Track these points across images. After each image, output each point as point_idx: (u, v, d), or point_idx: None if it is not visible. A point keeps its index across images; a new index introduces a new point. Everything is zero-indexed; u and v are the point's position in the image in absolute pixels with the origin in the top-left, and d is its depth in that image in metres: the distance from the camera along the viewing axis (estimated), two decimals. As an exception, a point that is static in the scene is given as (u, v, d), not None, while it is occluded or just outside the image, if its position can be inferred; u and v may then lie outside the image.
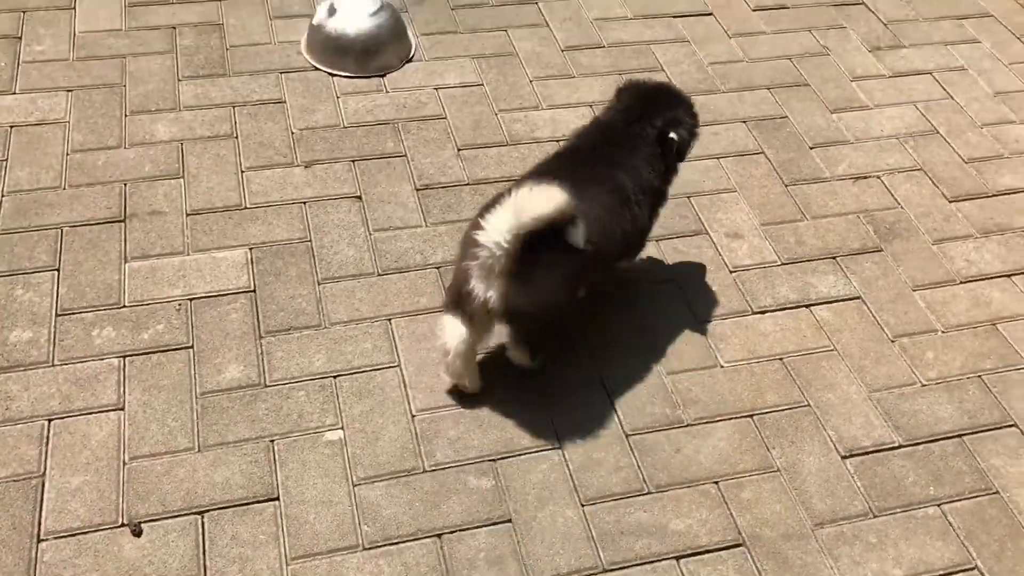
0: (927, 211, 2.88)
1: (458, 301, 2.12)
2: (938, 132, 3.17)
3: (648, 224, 2.40)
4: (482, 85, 3.18)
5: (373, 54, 3.14)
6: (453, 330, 2.14)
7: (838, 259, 2.71)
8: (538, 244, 1.99)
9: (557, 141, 2.98)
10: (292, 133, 2.92)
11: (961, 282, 2.68)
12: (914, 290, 2.64)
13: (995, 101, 3.32)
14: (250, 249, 2.56)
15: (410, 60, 3.24)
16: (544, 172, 2.19)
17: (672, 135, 2.32)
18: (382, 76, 3.17)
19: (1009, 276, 2.71)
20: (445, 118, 3.04)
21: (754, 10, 3.62)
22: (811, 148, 3.06)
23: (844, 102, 3.25)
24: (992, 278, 2.70)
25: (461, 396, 2.25)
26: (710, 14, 3.59)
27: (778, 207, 2.85)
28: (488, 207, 2.08)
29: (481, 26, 3.41)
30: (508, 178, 2.82)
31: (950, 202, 2.92)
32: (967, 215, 2.89)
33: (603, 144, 2.32)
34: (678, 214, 2.79)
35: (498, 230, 1.97)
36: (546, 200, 1.98)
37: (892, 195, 2.93)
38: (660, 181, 2.37)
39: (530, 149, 2.95)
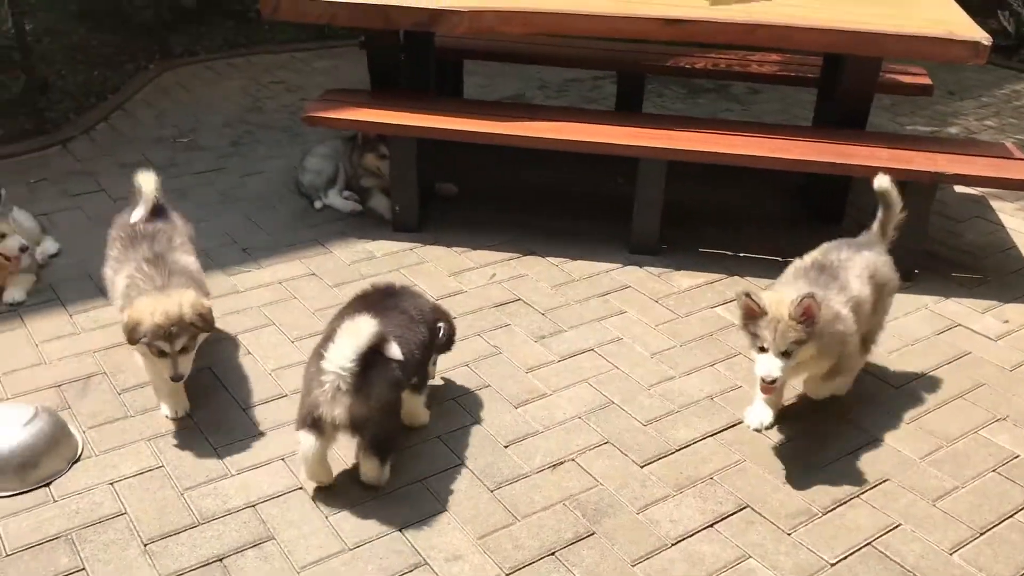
0: (624, 482, 3.02)
1: (310, 422, 2.75)
2: (613, 402, 3.40)
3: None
4: (163, 466, 3.01)
5: (34, 465, 2.89)
6: (308, 443, 2.79)
7: (557, 554, 2.72)
8: (367, 363, 2.67)
9: (254, 506, 2.85)
10: (-58, 581, 2.56)
11: (672, 544, 2.78)
12: (633, 565, 2.69)
13: (654, 362, 3.65)
14: None
15: (79, 459, 3.02)
16: (347, 313, 2.90)
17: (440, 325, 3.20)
18: (48, 485, 2.91)
19: (712, 526, 2.86)
20: (126, 513, 2.81)
21: (424, 327, 3.81)
22: (506, 447, 3.15)
23: (525, 394, 3.42)
24: (697, 532, 2.83)
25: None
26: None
27: (489, 516, 2.86)
28: (323, 344, 2.76)
29: (152, 405, 3.28)
30: (204, 563, 2.62)
31: (642, 467, 3.09)
32: (660, 476, 3.05)
33: (384, 296, 3.12)
34: (393, 551, 2.71)
35: (342, 357, 2.63)
36: (368, 326, 2.67)
37: (589, 474, 3.05)
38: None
39: (225, 523, 2.78)
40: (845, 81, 4.53)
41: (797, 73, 5.32)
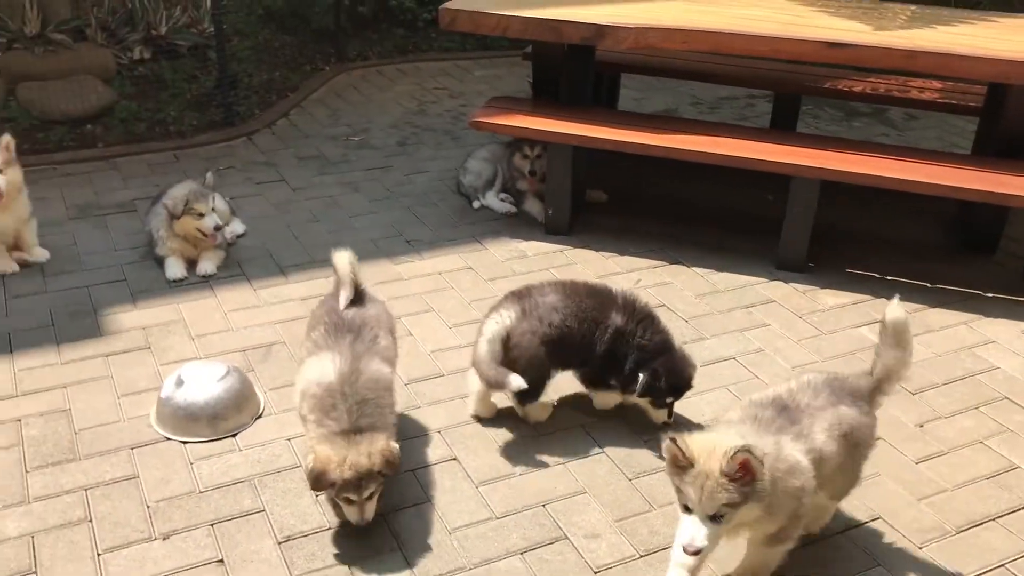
0: (758, 483, 3.14)
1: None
2: (752, 409, 3.51)
3: None
4: (333, 429, 3.33)
5: (224, 417, 3.26)
6: (474, 381, 3.32)
7: (690, 543, 2.88)
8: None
9: (412, 471, 3.12)
10: (148, 507, 2.93)
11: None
12: (764, 560, 2.82)
13: (795, 375, 3.74)
14: (111, 637, 2.48)
15: (260, 416, 3.38)
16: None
17: None
18: (235, 436, 3.27)
19: (843, 532, 2.95)
20: (300, 466, 3.14)
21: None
22: (645, 441, 3.33)
23: (666, 394, 3.58)
24: (835, 535, 2.92)
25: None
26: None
27: (627, 501, 3.04)
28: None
29: (326, 374, 3.62)
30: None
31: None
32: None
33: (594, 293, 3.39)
34: (537, 523, 2.93)
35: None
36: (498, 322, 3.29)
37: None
38: None
39: (386, 485, 3.06)
40: (1009, 111, 4.49)
41: (959, 101, 5.28)
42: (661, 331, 3.33)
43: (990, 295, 4.38)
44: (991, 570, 2.83)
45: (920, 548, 2.90)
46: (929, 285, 4.45)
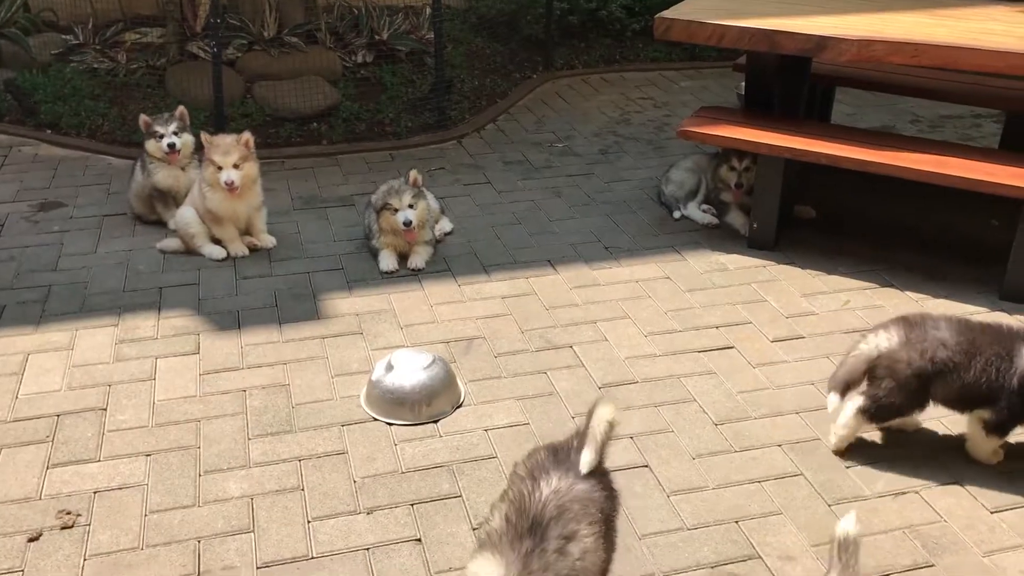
0: (970, 523, 2.95)
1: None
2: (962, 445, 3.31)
3: None
4: (528, 423, 3.41)
5: (428, 403, 3.41)
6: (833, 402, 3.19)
7: (892, 576, 2.75)
8: None
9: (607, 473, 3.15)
10: (355, 482, 3.11)
11: (1019, 594, 2.69)
12: (974, 605, 2.65)
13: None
14: (318, 599, 2.64)
15: (461, 406, 3.51)
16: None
17: None
18: (436, 422, 3.41)
19: (1066, 584, 2.73)
20: (496, 457, 3.23)
21: (772, 342, 3.93)
22: (847, 468, 3.20)
23: (871, 421, 3.43)
24: (1050, 588, 2.72)
25: None
26: (732, 347, 3.89)
27: (824, 526, 2.93)
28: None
29: (522, 370, 3.71)
30: (561, 514, 2.95)
31: (992, 513, 3.00)
32: (1012, 525, 2.95)
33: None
34: (729, 539, 2.88)
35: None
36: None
37: (933, 509, 3.01)
38: None
39: (579, 484, 3.10)
40: None
41: None
42: None
43: None
44: None
45: None
46: None
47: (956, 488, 3.11)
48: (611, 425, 2.38)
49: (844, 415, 3.23)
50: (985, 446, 3.21)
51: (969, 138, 6.24)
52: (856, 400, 3.21)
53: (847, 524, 2.28)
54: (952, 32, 4.28)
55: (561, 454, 2.40)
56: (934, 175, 4.20)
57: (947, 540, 2.89)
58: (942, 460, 3.24)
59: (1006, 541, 2.89)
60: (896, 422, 3.30)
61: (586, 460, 2.34)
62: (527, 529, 2.21)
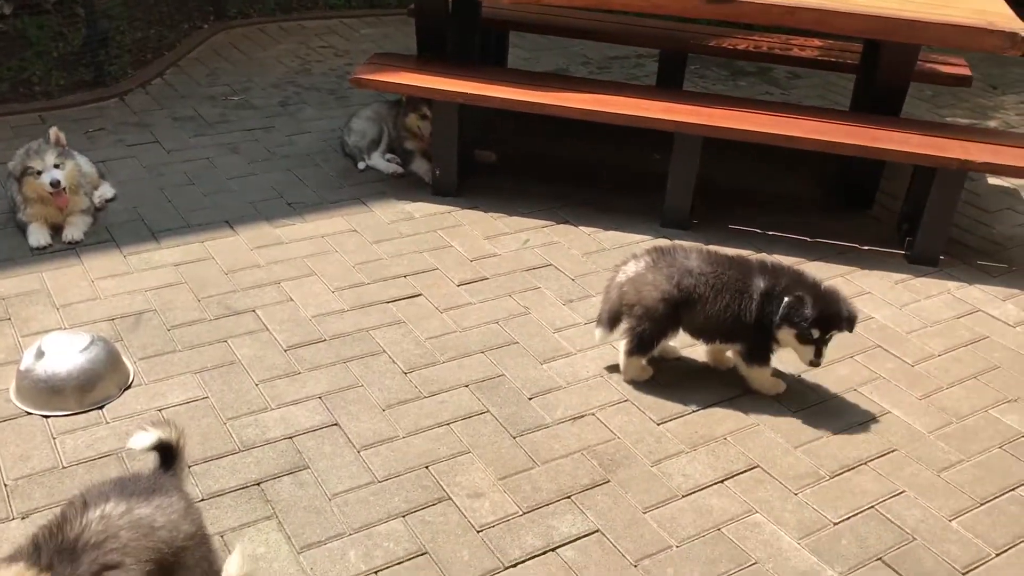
0: (640, 437, 3.17)
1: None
2: (634, 364, 3.54)
3: None
4: (207, 397, 3.21)
5: (89, 389, 3.10)
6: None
7: (573, 497, 2.88)
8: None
9: (291, 438, 3.04)
10: (5, 485, 2.77)
11: (683, 496, 2.93)
12: (644, 512, 2.85)
13: (677, 329, 3.78)
14: (-38, 624, 2.33)
15: (129, 387, 3.23)
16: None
17: None
18: (101, 408, 3.12)
19: (722, 481, 3.00)
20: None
21: (458, 285, 3.97)
22: (530, 399, 3.31)
23: (551, 352, 3.57)
24: (708, 487, 2.97)
25: None
26: (420, 295, 3.89)
27: (510, 459, 3.02)
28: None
29: (200, 341, 3.48)
30: (243, 486, 2.81)
31: (658, 424, 3.24)
32: (676, 434, 3.20)
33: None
34: (420, 485, 2.88)
35: None
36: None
37: (608, 428, 3.20)
38: None
39: (263, 451, 2.97)
40: (882, 67, 4.60)
41: (837, 58, 5.39)
42: (808, 279, 3.26)
43: (866, 248, 4.51)
44: (862, 512, 2.92)
45: (795, 494, 2.97)
46: (808, 239, 4.55)
47: (627, 405, 3.32)
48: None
49: (621, 362, 3.41)
50: (757, 377, 3.39)
51: (633, 77, 6.65)
52: (621, 345, 3.37)
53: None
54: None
55: (131, 484, 2.13)
56: (596, 113, 4.41)
57: (620, 455, 3.08)
58: (615, 380, 3.44)
59: (671, 449, 3.13)
60: (657, 352, 3.41)
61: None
62: (55, 551, 1.88)
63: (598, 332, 3.41)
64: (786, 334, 3.22)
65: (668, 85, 5.67)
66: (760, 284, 3.24)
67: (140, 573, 1.94)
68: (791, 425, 3.28)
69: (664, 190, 4.54)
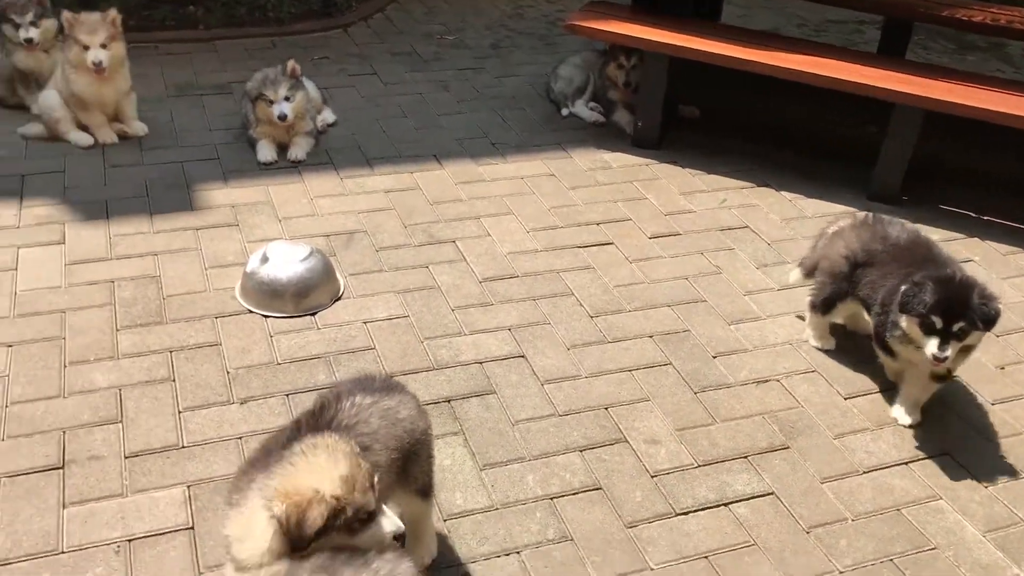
0: (825, 408, 3.12)
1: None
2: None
3: None
4: (408, 316, 3.41)
5: (304, 296, 3.36)
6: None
7: (749, 458, 2.90)
8: None
9: (480, 363, 3.19)
10: (228, 373, 3.07)
11: (864, 472, 2.88)
12: (822, 483, 2.82)
13: (873, 305, 3.67)
14: (188, 487, 2.63)
15: (339, 299, 3.47)
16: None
17: None
18: (313, 314, 3.37)
19: (907, 463, 2.92)
20: (374, 348, 3.23)
21: (650, 238, 4.00)
22: (714, 358, 3.32)
23: (740, 314, 3.56)
24: (891, 466, 2.91)
25: None
26: (611, 243, 3.95)
27: (690, 413, 3.06)
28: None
29: (404, 264, 3.69)
30: (435, 401, 2.99)
31: (845, 399, 3.18)
32: (862, 410, 3.13)
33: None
34: (598, 424, 2.97)
35: None
36: None
37: (792, 396, 3.17)
38: None
39: (455, 372, 3.14)
40: None
41: (1085, 38, 4.97)
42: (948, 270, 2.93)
43: (1091, 243, 4.19)
44: (1056, 515, 2.78)
45: (986, 487, 2.86)
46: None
47: (815, 376, 3.28)
48: None
49: (806, 316, 3.44)
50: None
51: (852, 43, 6.37)
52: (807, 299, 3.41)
53: None
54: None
55: (371, 382, 2.29)
56: (810, 75, 4.28)
57: (803, 424, 3.05)
58: (805, 350, 3.39)
59: (856, 424, 3.07)
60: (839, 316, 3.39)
61: None
62: (313, 432, 2.03)
63: (794, 273, 3.49)
64: (910, 325, 2.85)
65: (890, 54, 5.40)
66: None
67: (386, 458, 2.15)
68: (987, 417, 3.14)
69: (874, 162, 4.37)
